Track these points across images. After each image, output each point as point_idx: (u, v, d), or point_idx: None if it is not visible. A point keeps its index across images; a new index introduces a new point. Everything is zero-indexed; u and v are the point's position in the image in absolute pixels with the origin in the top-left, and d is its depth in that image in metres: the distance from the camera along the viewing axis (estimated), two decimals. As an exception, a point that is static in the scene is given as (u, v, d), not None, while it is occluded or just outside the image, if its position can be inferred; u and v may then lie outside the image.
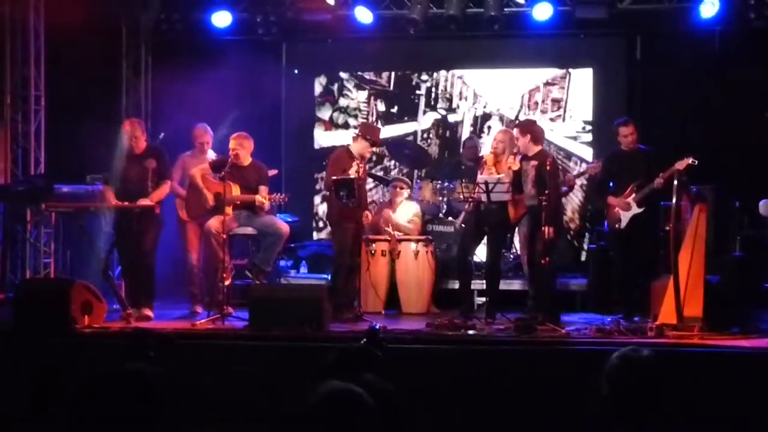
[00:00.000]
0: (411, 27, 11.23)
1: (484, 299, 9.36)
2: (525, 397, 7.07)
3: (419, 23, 11.13)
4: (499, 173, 8.93)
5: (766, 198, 9.60)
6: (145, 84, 11.95)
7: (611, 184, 9.37)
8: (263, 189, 9.29)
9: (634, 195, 9.06)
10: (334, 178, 9.05)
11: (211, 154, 9.86)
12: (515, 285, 10.00)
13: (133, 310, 8.86)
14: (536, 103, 12.44)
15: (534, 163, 8.80)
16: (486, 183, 8.79)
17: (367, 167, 9.56)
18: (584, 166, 11.25)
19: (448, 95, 12.65)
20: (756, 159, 10.46)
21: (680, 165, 8.58)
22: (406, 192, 10.64)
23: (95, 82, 10.86)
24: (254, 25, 11.37)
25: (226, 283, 8.81)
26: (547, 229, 8.42)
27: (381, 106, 12.75)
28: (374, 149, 9.49)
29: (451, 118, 12.63)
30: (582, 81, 12.34)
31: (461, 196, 9.75)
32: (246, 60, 11.60)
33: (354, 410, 2.76)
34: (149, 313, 8.99)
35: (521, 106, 12.45)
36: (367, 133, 9.48)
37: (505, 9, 11.09)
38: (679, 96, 11.31)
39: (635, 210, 9.08)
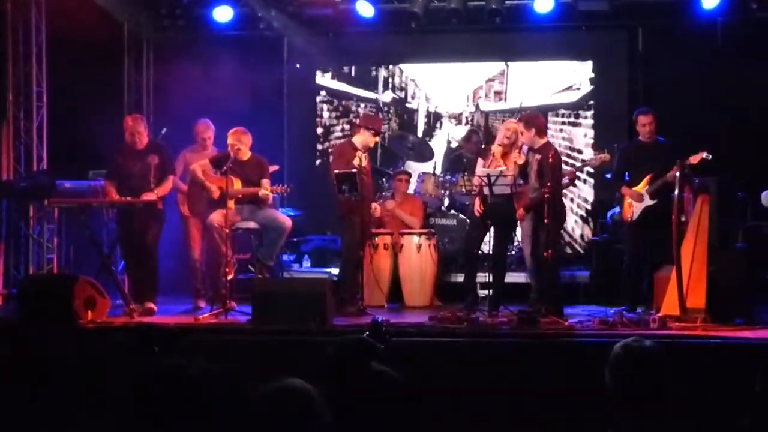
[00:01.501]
0: (412, 20, 11.23)
1: (487, 292, 9.35)
2: (528, 389, 7.07)
3: (420, 17, 11.13)
4: (506, 165, 8.92)
5: (769, 189, 9.59)
6: (146, 80, 11.97)
7: (626, 175, 9.35)
8: (265, 182, 9.28)
9: (648, 187, 9.05)
10: (336, 171, 9.03)
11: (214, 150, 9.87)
12: (519, 278, 9.99)
13: (137, 305, 8.86)
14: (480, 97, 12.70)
15: (538, 156, 8.78)
16: (488, 176, 8.78)
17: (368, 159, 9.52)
18: (588, 157, 11.21)
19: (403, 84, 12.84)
20: (758, 150, 10.45)
21: (694, 159, 8.57)
22: (408, 185, 10.64)
23: (97, 78, 10.85)
24: (256, 19, 11.37)
25: (229, 277, 8.80)
26: (545, 221, 8.41)
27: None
28: (377, 139, 9.46)
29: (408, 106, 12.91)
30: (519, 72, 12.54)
31: (463, 189, 9.76)
32: (247, 55, 11.61)
33: (301, 409, 2.76)
34: (152, 308, 9.00)
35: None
36: (369, 123, 9.47)
37: (507, 2, 11.08)
38: (681, 88, 11.29)
39: (648, 201, 9.06)
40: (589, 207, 12.18)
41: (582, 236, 12.15)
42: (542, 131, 9.01)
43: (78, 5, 10.19)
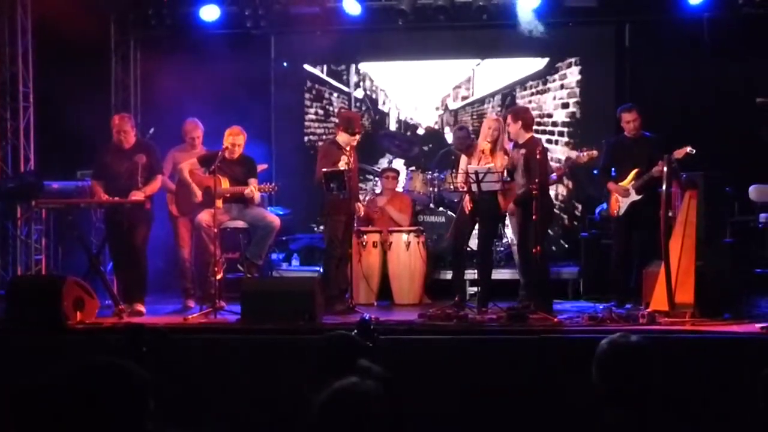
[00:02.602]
0: (400, 18, 11.23)
1: (476, 289, 9.36)
2: (518, 386, 7.08)
3: (408, 14, 11.12)
4: (493, 162, 8.91)
5: (756, 183, 9.61)
6: (134, 79, 11.92)
7: (613, 170, 9.38)
8: (252, 181, 9.29)
9: (633, 182, 9.07)
10: (324, 170, 9.01)
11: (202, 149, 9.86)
12: (507, 274, 10.00)
13: (125, 305, 8.86)
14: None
15: (523, 151, 8.79)
16: (476, 173, 8.78)
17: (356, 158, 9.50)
18: (574, 154, 11.21)
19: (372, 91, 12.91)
20: (746, 145, 10.47)
21: (678, 154, 8.60)
22: (396, 182, 10.64)
23: (84, 78, 10.81)
24: (242, 18, 11.34)
25: (218, 277, 8.81)
26: (534, 217, 8.43)
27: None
28: (358, 138, 9.42)
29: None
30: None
31: (451, 187, 9.75)
32: (235, 53, 11.59)
33: (362, 409, 2.75)
34: (141, 308, 8.99)
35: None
36: (347, 125, 9.39)
37: (493, -1, 11.08)
38: (669, 84, 11.32)
39: (634, 197, 9.10)
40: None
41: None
42: (529, 126, 9.02)
43: (64, 5, 10.15)
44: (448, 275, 10.00)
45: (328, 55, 12.71)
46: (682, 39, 11.09)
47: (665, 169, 8.20)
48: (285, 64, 12.73)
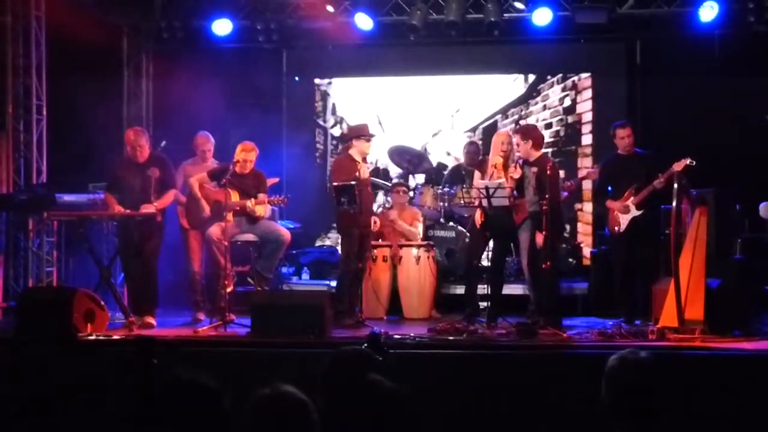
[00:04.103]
0: (411, 33, 11.26)
1: (486, 303, 9.36)
2: (527, 402, 7.07)
3: (419, 29, 11.15)
4: (504, 178, 8.93)
5: (766, 201, 9.60)
6: (146, 92, 11.99)
7: (609, 188, 9.40)
8: (261, 196, 9.30)
9: (632, 198, 9.09)
10: (335, 184, 9.02)
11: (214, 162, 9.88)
12: (517, 290, 10.00)
13: (136, 318, 8.87)
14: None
15: (534, 169, 8.80)
16: (486, 188, 8.79)
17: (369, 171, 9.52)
18: (584, 171, 11.22)
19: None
20: (756, 162, 10.47)
21: (678, 166, 8.60)
22: (406, 197, 10.66)
23: (97, 91, 10.87)
24: (255, 32, 11.38)
25: (228, 290, 8.80)
26: (544, 233, 8.44)
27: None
28: (371, 143, 9.44)
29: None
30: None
31: (462, 202, 9.76)
32: (247, 67, 11.64)
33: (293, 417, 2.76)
34: (152, 320, 9.01)
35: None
36: (357, 132, 9.41)
37: (505, 14, 11.10)
38: (680, 100, 11.32)
39: (634, 213, 9.11)
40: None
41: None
42: (539, 144, 9.05)
43: (78, 18, 10.21)
44: (458, 290, 10.01)
45: (339, 69, 12.75)
46: (693, 56, 11.10)
47: (675, 185, 8.19)
48: (297, 78, 12.78)
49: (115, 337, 8.28)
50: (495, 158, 9.02)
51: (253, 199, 9.18)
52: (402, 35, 11.41)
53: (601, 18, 10.84)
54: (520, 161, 8.95)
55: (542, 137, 9.35)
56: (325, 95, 13.00)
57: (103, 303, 8.53)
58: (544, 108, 12.46)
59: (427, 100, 12.77)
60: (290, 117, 12.74)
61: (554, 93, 12.44)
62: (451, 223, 10.92)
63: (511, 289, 9.96)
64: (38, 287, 10.29)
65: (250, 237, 9.37)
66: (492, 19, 10.98)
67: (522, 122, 12.21)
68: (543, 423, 6.91)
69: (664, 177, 8.71)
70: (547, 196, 8.44)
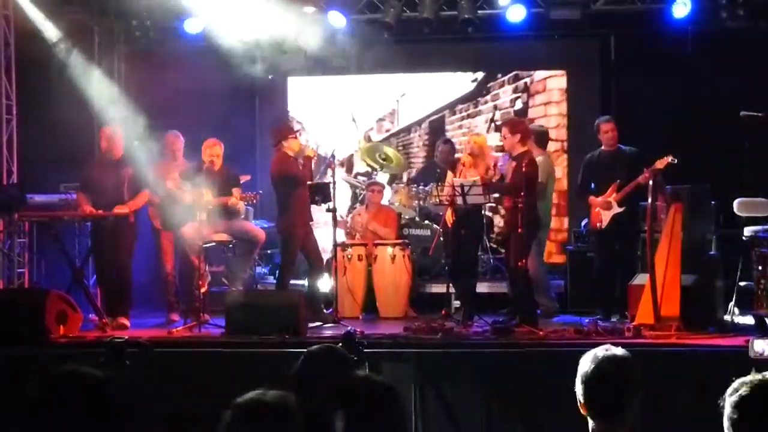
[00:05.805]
0: (384, 31, 11.22)
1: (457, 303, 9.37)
2: (503, 399, 7.06)
3: (393, 27, 11.11)
4: (477, 175, 8.91)
5: (741, 197, 9.61)
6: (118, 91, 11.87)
7: (592, 184, 9.40)
8: (236, 191, 9.26)
9: (615, 194, 9.09)
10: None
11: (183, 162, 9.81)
12: (493, 287, 10.01)
13: (109, 319, 8.81)
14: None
15: (514, 164, 8.77)
16: (462, 186, 8.76)
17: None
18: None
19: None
20: (731, 158, 10.49)
21: (660, 164, 8.61)
22: (381, 196, 10.62)
23: (67, 91, 10.76)
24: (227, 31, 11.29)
25: (202, 290, 8.77)
26: (519, 231, 8.41)
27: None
28: (299, 139, 9.50)
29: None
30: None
31: (436, 200, 9.74)
32: (219, 65, 11.55)
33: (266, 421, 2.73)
34: (125, 321, 8.94)
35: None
36: (281, 135, 9.47)
37: (479, 12, 11.08)
38: (653, 96, 11.34)
39: (616, 209, 9.12)
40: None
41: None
42: (525, 139, 8.95)
43: (48, 17, 10.12)
44: (433, 288, 10.02)
45: (311, 67, 12.67)
46: (667, 52, 11.14)
47: (651, 182, 8.19)
48: (270, 76, 12.70)
49: (89, 338, 8.22)
50: (464, 156, 9.06)
51: (237, 194, 9.17)
52: (375, 33, 11.34)
53: (575, 14, 10.84)
54: (502, 161, 8.94)
55: (530, 132, 9.30)
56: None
57: (75, 304, 8.46)
58: (495, 108, 12.43)
59: (404, 97, 12.74)
60: (263, 114, 12.67)
61: (505, 93, 12.42)
62: (426, 222, 10.89)
63: (487, 287, 9.96)
64: (10, 289, 10.18)
65: (224, 237, 9.31)
66: (466, 16, 10.94)
67: (468, 120, 12.24)
68: (519, 420, 6.91)
69: (648, 173, 8.70)
70: (522, 193, 8.41)
